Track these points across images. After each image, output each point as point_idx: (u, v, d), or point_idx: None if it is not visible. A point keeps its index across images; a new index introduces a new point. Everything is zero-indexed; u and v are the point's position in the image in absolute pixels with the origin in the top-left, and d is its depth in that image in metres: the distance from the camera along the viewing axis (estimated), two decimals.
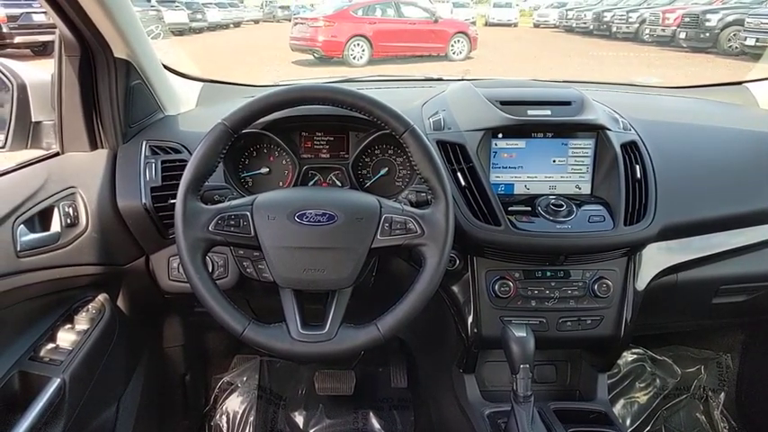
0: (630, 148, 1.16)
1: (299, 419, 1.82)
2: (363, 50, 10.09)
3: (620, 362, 1.86)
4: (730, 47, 10.19)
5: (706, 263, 1.23)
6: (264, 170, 1.27)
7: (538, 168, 1.20)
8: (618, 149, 1.14)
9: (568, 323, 1.16)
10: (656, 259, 1.18)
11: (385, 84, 1.62)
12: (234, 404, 1.79)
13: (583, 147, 1.19)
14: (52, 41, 1.12)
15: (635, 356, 1.87)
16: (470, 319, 1.17)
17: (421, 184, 1.00)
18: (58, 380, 0.93)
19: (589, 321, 1.16)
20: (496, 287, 1.15)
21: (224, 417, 1.77)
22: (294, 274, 0.93)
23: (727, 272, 1.25)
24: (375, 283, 1.19)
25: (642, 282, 1.18)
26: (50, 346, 1.00)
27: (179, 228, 0.92)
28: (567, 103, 1.17)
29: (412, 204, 1.04)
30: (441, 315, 1.28)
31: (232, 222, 0.93)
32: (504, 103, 1.17)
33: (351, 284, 0.95)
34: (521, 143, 1.20)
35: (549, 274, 1.16)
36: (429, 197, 1.02)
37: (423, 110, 1.28)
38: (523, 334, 1.03)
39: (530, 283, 1.16)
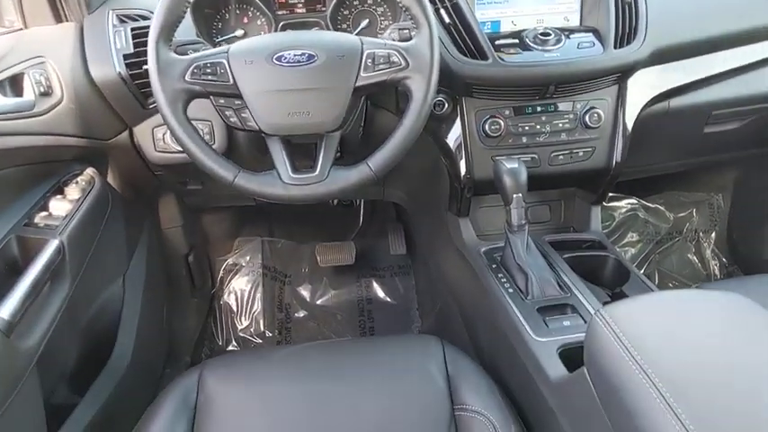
0: None
1: (305, 293, 1.89)
2: None
3: (613, 213, 1.90)
4: None
5: (698, 87, 1.20)
6: (239, 32, 1.21)
7: (524, 2, 1.15)
8: None
9: (560, 156, 1.16)
10: (647, 85, 1.16)
11: None
12: (240, 283, 1.84)
13: None
14: None
15: (628, 206, 1.90)
16: (462, 163, 1.16)
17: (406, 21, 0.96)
18: (56, 241, 0.93)
19: (581, 153, 1.16)
20: (486, 126, 1.13)
21: (232, 295, 1.83)
22: (278, 119, 0.91)
23: (719, 96, 1.23)
24: (364, 137, 1.17)
25: (634, 110, 1.16)
26: (44, 213, 1.00)
27: (155, 80, 0.88)
28: None
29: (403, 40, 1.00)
30: (433, 167, 1.28)
31: (209, 70, 0.89)
32: None
33: (337, 127, 0.93)
34: None
35: (539, 108, 1.14)
36: (412, 33, 0.98)
37: None
38: (515, 165, 1.03)
39: (520, 120, 1.14)
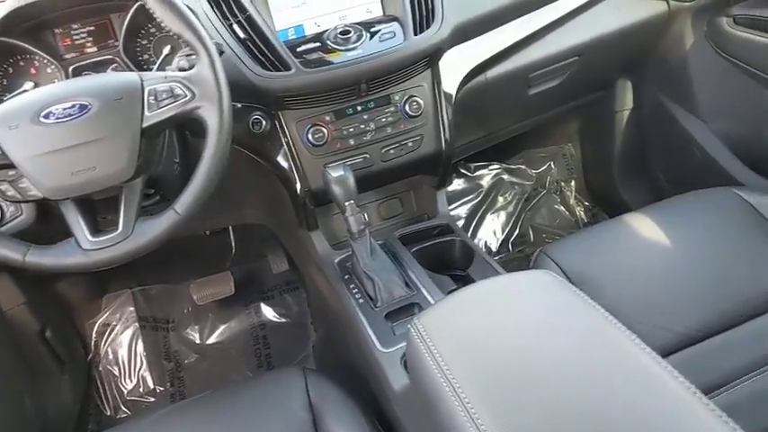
0: None
1: (193, 335, 1.78)
2: None
3: (480, 182, 1.94)
4: None
5: (509, 54, 1.23)
6: (29, 85, 1.09)
7: (322, 1, 1.11)
8: None
9: (391, 151, 1.14)
10: (458, 64, 1.16)
11: None
12: (117, 343, 1.71)
13: None
14: None
15: (492, 172, 1.95)
16: (296, 178, 1.12)
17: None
18: None
19: (410, 144, 1.15)
20: (310, 136, 1.09)
21: (110, 358, 1.70)
22: (62, 182, 0.82)
23: (531, 58, 1.26)
24: (185, 171, 1.10)
25: (451, 90, 1.16)
26: None
27: None
28: None
29: (183, 71, 0.93)
30: (277, 184, 1.23)
31: None
32: None
33: (134, 175, 0.85)
34: None
35: (359, 108, 1.11)
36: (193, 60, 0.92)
37: None
38: (341, 172, 1.00)
39: (343, 123, 1.11)
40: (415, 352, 0.62)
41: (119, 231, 0.84)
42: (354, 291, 1.04)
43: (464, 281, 1.08)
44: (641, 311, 0.95)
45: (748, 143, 1.35)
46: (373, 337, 0.91)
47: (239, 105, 1.07)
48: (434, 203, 1.25)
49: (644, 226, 1.09)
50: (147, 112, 0.83)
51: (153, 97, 0.83)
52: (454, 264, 1.14)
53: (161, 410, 0.99)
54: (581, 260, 1.05)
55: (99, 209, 0.91)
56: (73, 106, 0.81)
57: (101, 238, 0.84)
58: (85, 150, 0.81)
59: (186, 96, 0.84)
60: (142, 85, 0.83)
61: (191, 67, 0.95)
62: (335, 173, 1.00)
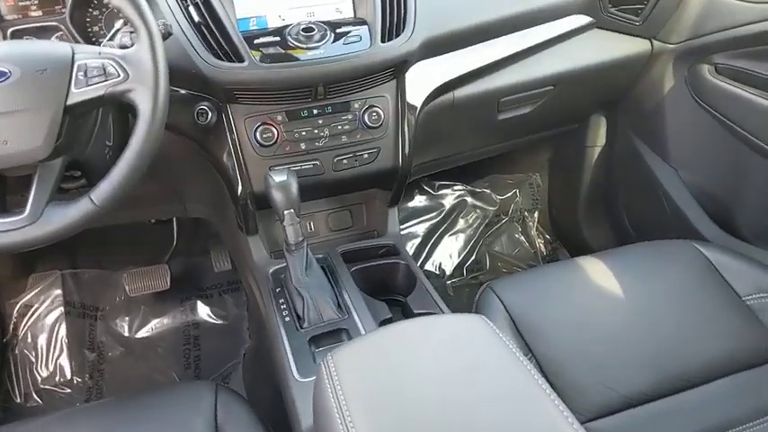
0: None
1: (123, 326, 1.68)
2: None
3: (443, 201, 1.89)
4: None
5: (481, 75, 1.17)
6: None
7: None
8: None
9: (344, 161, 1.07)
10: (425, 78, 1.10)
11: None
12: (38, 327, 1.60)
13: None
14: None
15: (456, 193, 1.90)
16: (238, 177, 1.04)
17: None
18: None
19: (366, 155, 1.08)
20: (258, 134, 1.02)
21: (28, 342, 1.58)
22: None
23: (503, 83, 1.21)
24: (114, 153, 1.01)
25: (416, 104, 1.10)
26: None
27: None
28: None
29: (124, 48, 0.85)
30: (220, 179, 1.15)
31: None
32: None
33: (51, 155, 0.76)
34: None
35: (315, 111, 1.04)
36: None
37: None
38: (284, 177, 0.92)
39: (295, 125, 1.03)
40: (321, 391, 0.55)
41: (24, 215, 0.76)
42: (283, 306, 0.96)
43: (402, 308, 1.01)
44: (585, 367, 0.90)
45: (717, 197, 1.31)
46: (292, 363, 0.83)
47: (184, 92, 0.99)
48: (385, 221, 1.18)
49: (598, 273, 1.04)
50: (73, 89, 0.75)
51: (82, 73, 0.76)
52: (395, 288, 1.07)
53: (55, 413, 0.91)
54: (528, 302, 0.99)
55: (14, 186, 0.82)
56: None
57: (3, 220, 0.75)
58: None
59: (119, 77, 0.77)
60: (73, 58, 0.76)
61: (132, 46, 0.88)
62: (278, 177, 0.93)
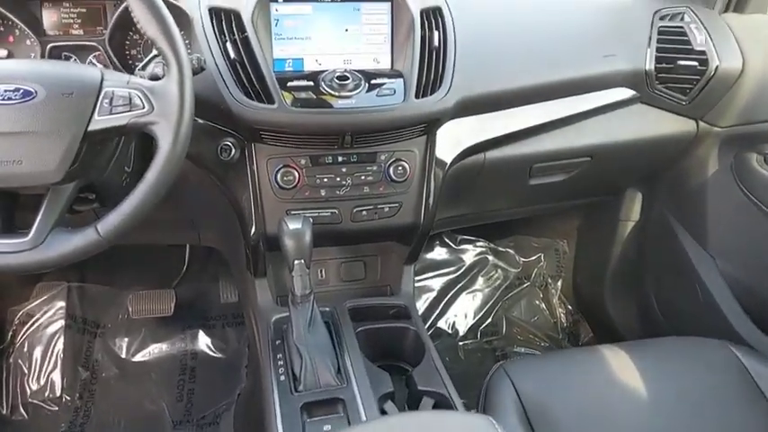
0: (432, 13, 1.00)
1: (121, 347, 1.64)
2: None
3: (463, 256, 1.82)
4: None
5: (514, 140, 1.13)
6: (2, 53, 1.00)
7: (329, 39, 1.01)
8: (416, 15, 0.98)
9: (364, 212, 1.03)
10: (457, 138, 1.06)
11: None
12: (36, 338, 1.57)
13: (377, 12, 1.01)
14: None
15: (478, 249, 1.83)
16: (253, 216, 1.01)
17: None
18: None
19: (387, 209, 1.04)
20: (279, 176, 0.98)
21: (24, 352, 1.55)
22: None
23: (537, 149, 1.16)
24: (132, 181, 0.98)
25: (444, 163, 1.06)
26: None
27: None
28: None
29: (155, 79, 0.83)
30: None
31: None
32: None
33: (63, 180, 0.74)
34: (306, 8, 1.00)
35: (340, 159, 1.01)
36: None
37: None
38: (298, 225, 0.88)
39: (318, 171, 1.00)
40: None
41: (27, 239, 0.74)
42: (280, 363, 0.91)
43: (406, 380, 0.94)
44: None
45: (756, 293, 1.23)
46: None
47: (210, 125, 0.97)
48: (400, 277, 1.13)
49: (622, 367, 0.96)
50: (96, 116, 0.74)
51: (108, 101, 0.74)
52: (402, 355, 1.01)
53: None
54: (543, 391, 0.92)
55: (26, 203, 0.80)
56: (16, 90, 0.72)
57: (7, 241, 0.74)
58: (15, 141, 0.72)
59: (143, 108, 0.75)
60: (101, 85, 0.75)
61: (163, 77, 0.86)
62: (292, 224, 0.89)
